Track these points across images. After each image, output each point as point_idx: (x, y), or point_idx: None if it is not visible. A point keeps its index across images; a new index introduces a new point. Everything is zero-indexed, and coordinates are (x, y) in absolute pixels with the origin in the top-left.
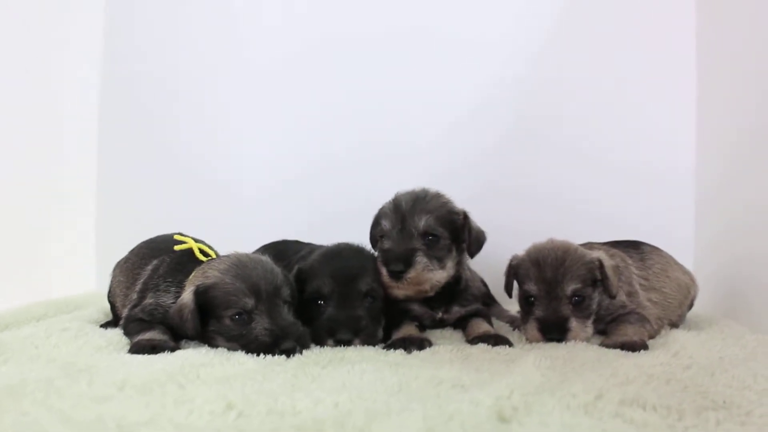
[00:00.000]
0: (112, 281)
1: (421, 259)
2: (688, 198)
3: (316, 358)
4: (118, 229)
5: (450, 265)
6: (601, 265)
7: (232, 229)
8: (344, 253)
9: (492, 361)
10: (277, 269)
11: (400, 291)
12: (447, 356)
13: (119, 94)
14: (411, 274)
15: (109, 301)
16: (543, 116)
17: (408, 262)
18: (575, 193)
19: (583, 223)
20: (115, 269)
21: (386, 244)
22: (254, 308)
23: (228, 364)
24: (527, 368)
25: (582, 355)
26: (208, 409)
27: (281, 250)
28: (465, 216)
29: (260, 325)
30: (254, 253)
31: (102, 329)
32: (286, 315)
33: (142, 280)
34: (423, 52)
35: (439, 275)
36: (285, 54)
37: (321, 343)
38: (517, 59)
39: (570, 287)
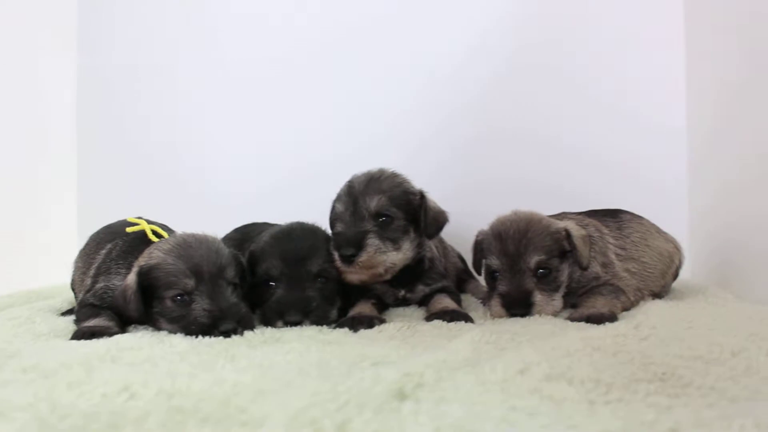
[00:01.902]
0: (73, 269)
1: (372, 242)
2: (680, 161)
3: (253, 338)
4: (101, 222)
5: (407, 246)
6: (568, 235)
7: (209, 221)
8: (295, 233)
9: (436, 337)
10: (224, 249)
11: (354, 276)
12: (392, 334)
13: (98, 88)
14: (362, 257)
15: (72, 290)
16: (531, 75)
17: (359, 245)
18: (566, 156)
19: (574, 189)
20: (76, 257)
21: (338, 227)
22: (194, 289)
23: (158, 346)
24: (462, 343)
25: (536, 329)
26: (100, 392)
27: (247, 232)
28: (422, 196)
29: (200, 306)
30: (227, 234)
31: (59, 317)
32: (229, 296)
33: (96, 265)
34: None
35: (393, 257)
36: (263, 54)
37: (272, 325)
38: (504, 13)
39: (533, 260)
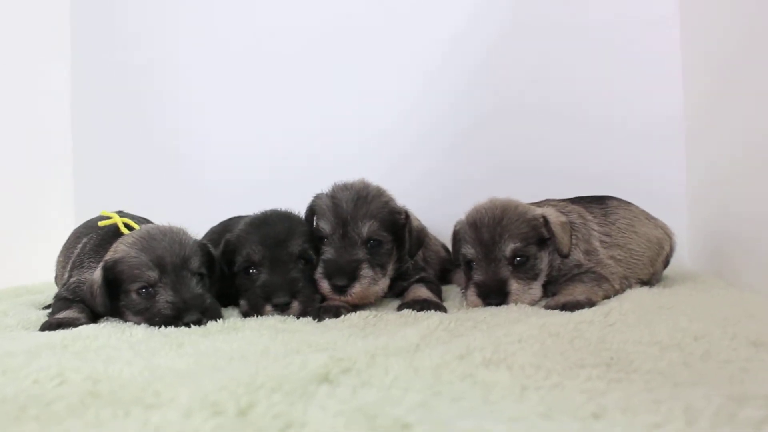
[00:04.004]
0: (56, 264)
1: (367, 273)
2: (678, 148)
3: (212, 327)
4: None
5: (391, 268)
6: (546, 222)
7: (205, 216)
8: (271, 218)
9: (398, 326)
10: (188, 240)
11: (341, 303)
12: (355, 322)
13: (93, 86)
14: (356, 289)
15: (57, 285)
16: (523, 64)
17: (353, 275)
18: (560, 147)
19: (570, 178)
20: (59, 252)
21: (327, 252)
22: (158, 281)
23: (116, 336)
24: (413, 330)
25: (502, 317)
26: (33, 378)
27: (228, 224)
28: (407, 215)
29: (163, 298)
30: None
31: (36, 311)
32: (193, 287)
33: (72, 259)
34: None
35: (383, 284)
36: (259, 50)
37: (260, 310)
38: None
39: (509, 247)
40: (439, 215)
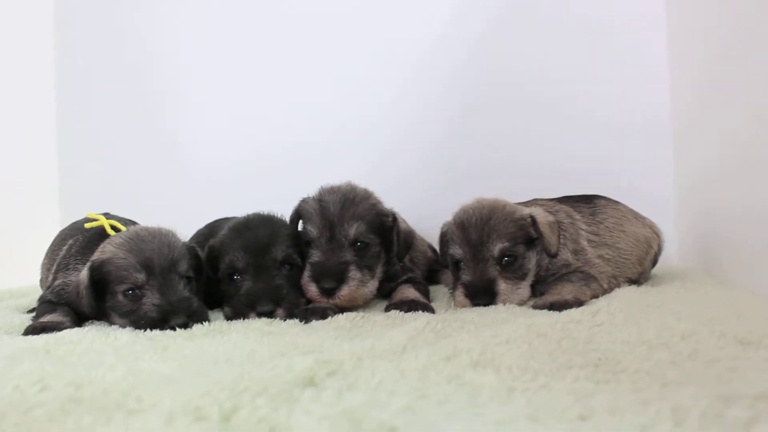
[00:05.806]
0: (41, 267)
1: (355, 275)
2: (666, 146)
3: (198, 330)
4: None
5: (379, 271)
6: (533, 222)
7: (191, 218)
8: (253, 223)
9: (385, 327)
10: (177, 243)
11: (327, 305)
12: (342, 324)
13: (77, 85)
14: (344, 291)
15: (41, 288)
16: (511, 63)
17: (341, 278)
18: (548, 145)
19: (558, 176)
20: (44, 255)
21: (314, 255)
22: (145, 283)
23: (100, 340)
24: (400, 331)
25: (490, 317)
26: (13, 384)
27: (215, 227)
28: (394, 218)
29: (150, 300)
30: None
31: (21, 315)
32: (180, 290)
33: (57, 262)
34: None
35: (372, 287)
36: (246, 39)
37: (244, 318)
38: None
39: (496, 247)
40: (426, 212)
